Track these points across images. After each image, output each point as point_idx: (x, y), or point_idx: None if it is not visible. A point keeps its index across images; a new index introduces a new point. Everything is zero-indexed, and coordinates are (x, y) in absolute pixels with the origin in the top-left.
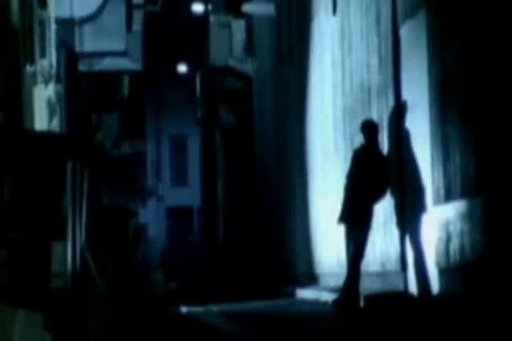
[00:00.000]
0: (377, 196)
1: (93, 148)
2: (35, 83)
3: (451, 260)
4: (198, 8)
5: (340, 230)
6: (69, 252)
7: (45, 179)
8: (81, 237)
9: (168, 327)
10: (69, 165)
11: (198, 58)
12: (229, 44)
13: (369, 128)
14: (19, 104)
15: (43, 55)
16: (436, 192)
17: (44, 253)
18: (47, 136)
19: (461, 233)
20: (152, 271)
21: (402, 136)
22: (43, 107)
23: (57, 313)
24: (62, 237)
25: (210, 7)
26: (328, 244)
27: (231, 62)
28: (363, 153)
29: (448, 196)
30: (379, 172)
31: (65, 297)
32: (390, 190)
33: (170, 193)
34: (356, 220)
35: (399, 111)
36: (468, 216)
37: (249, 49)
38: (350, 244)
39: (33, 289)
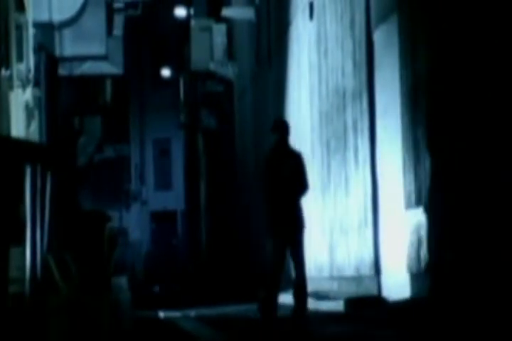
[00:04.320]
0: (300, 192)
1: (55, 153)
2: (11, 87)
3: (422, 264)
4: (180, 12)
5: (319, 234)
6: (28, 257)
7: (1, 183)
8: (43, 242)
9: (133, 331)
10: (28, 170)
11: (181, 62)
12: (210, 48)
13: (283, 127)
14: None
15: (19, 58)
16: (407, 196)
17: (1, 259)
18: (2, 140)
19: (431, 237)
20: (117, 276)
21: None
22: (20, 112)
23: (11, 319)
24: (20, 242)
25: (192, 11)
26: (306, 248)
27: (212, 66)
28: (276, 155)
29: (419, 200)
30: (296, 170)
31: (22, 303)
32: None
33: (154, 197)
34: (290, 225)
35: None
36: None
37: (230, 53)
38: (285, 251)
39: None
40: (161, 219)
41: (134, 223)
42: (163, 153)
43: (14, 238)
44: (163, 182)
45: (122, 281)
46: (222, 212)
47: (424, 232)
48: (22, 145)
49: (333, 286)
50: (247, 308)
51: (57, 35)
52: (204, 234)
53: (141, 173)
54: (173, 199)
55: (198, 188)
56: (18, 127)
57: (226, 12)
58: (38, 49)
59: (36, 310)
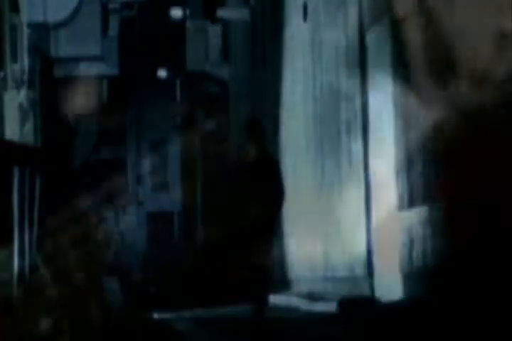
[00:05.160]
0: (279, 202)
1: (44, 154)
2: (5, 88)
3: (415, 265)
4: (176, 13)
5: (312, 236)
6: (16, 259)
7: None
8: (32, 244)
9: (124, 332)
10: (17, 171)
11: (177, 63)
12: (205, 49)
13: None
14: None
15: (14, 60)
16: (400, 197)
17: None
18: None
19: (424, 238)
20: (107, 277)
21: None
22: (14, 113)
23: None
24: (8, 244)
25: (187, 12)
26: (300, 249)
27: (208, 67)
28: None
29: (411, 201)
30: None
31: (9, 303)
32: None
33: (150, 198)
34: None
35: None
36: (430, 221)
37: (226, 54)
38: None
39: None
40: (158, 220)
41: (130, 224)
42: (159, 154)
43: (2, 239)
44: (160, 184)
45: (113, 282)
46: (219, 213)
47: (416, 233)
48: (10, 146)
49: (326, 287)
50: (244, 309)
51: (52, 35)
52: (201, 234)
53: (137, 174)
54: (170, 201)
55: (195, 190)
56: (12, 128)
57: (221, 13)
58: (33, 50)
59: (26, 310)
